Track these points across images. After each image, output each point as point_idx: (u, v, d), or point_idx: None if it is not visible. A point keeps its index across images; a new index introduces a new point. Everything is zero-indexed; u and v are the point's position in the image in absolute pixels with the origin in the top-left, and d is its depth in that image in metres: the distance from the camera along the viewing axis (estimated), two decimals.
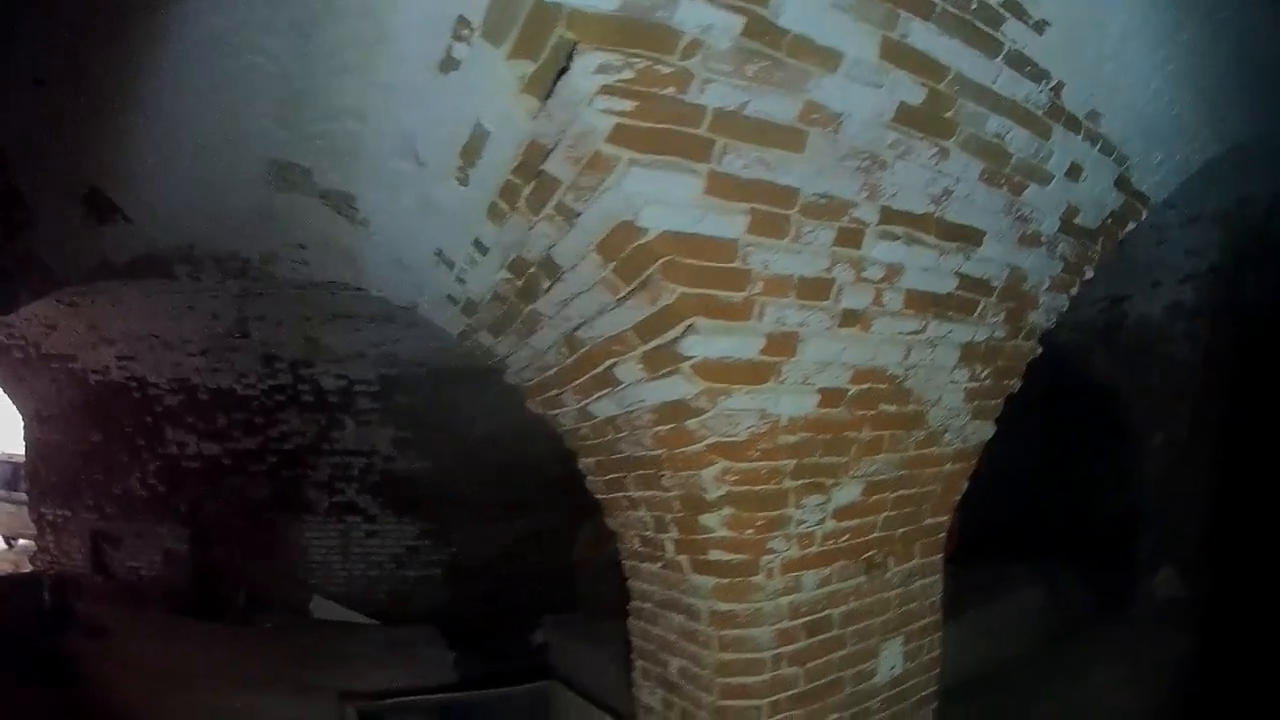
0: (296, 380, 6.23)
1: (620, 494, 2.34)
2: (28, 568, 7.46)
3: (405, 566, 6.84)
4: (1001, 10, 1.78)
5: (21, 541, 10.13)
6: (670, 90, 1.47)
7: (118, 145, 2.55)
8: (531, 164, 1.66)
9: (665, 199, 1.56)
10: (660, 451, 1.99)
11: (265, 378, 6.18)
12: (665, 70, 1.44)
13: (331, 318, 5.45)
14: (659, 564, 2.28)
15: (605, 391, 2.08)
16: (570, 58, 1.38)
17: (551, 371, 2.29)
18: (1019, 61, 1.88)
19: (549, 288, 1.95)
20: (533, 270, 2.00)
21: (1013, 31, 1.82)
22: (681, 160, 1.55)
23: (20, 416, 7.26)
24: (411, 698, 2.61)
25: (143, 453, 6.60)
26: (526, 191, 1.73)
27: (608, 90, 1.41)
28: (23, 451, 9.29)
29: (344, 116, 2.02)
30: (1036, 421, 2.44)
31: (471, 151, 1.75)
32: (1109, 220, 2.42)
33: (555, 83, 1.43)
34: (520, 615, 5.57)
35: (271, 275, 4.14)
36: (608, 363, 1.96)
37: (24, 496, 9.03)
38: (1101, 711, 3.13)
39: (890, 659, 2.40)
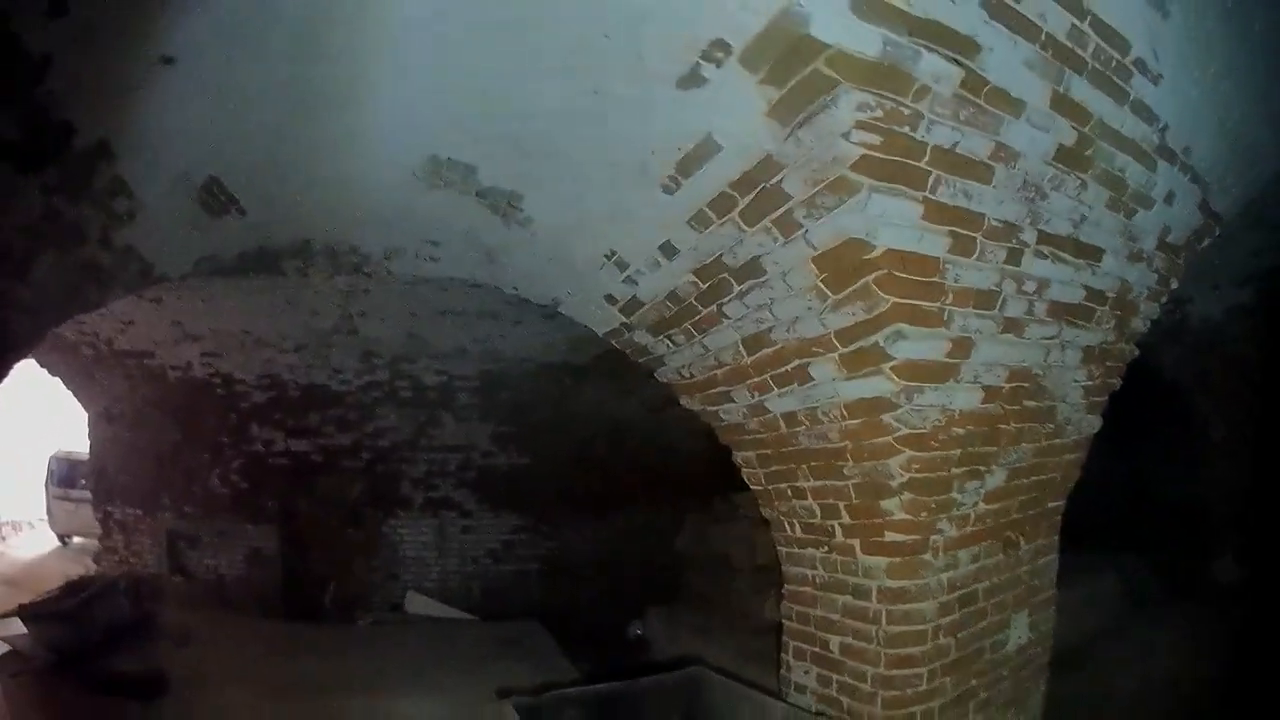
0: (395, 376, 6.22)
1: (785, 484, 2.60)
2: (92, 568, 7.31)
3: (501, 561, 6.87)
4: (1131, 66, 2.15)
5: (77, 540, 10.11)
6: (906, 128, 1.77)
7: (245, 135, 2.58)
8: (757, 179, 1.92)
9: (894, 221, 1.86)
10: (845, 444, 2.27)
11: (362, 374, 6.15)
12: (905, 111, 1.75)
13: (437, 314, 5.42)
14: (824, 549, 2.55)
15: (789, 388, 2.35)
16: (834, 93, 1.68)
17: (722, 369, 2.55)
18: (1140, 108, 2.25)
19: (745, 292, 2.23)
20: (724, 275, 2.26)
21: (1137, 83, 2.19)
22: (907, 189, 1.85)
23: (85, 414, 7.13)
24: (565, 690, 2.77)
25: (225, 450, 6.55)
26: (743, 203, 1.98)
27: (861, 125, 1.70)
28: (81, 449, 9.26)
29: (539, 119, 2.14)
30: (1108, 417, 2.80)
31: (691, 163, 1.97)
32: (1191, 238, 2.81)
33: (808, 111, 1.73)
34: (617, 609, 5.71)
35: (388, 271, 4.15)
36: (799, 361, 2.25)
37: (82, 494, 9.11)
38: (1173, 684, 3.53)
39: (1018, 630, 2.71)
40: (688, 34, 1.64)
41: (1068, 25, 1.86)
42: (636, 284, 2.60)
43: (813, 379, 2.23)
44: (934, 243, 1.93)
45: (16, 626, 4.92)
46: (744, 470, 2.85)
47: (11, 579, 7.90)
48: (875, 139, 1.71)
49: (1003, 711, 2.69)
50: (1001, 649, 2.63)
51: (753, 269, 2.11)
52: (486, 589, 6.71)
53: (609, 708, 2.72)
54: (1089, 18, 1.90)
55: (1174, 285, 2.80)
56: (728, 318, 2.36)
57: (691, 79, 1.72)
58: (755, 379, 2.44)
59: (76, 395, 6.88)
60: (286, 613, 6.16)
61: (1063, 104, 1.97)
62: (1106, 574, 4.21)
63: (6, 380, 3.30)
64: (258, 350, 5.88)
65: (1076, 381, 2.56)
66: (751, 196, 1.94)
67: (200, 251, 3.64)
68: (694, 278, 2.33)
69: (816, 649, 2.62)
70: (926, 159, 1.81)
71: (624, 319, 2.88)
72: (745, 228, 2.01)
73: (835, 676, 2.54)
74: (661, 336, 2.82)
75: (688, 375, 2.81)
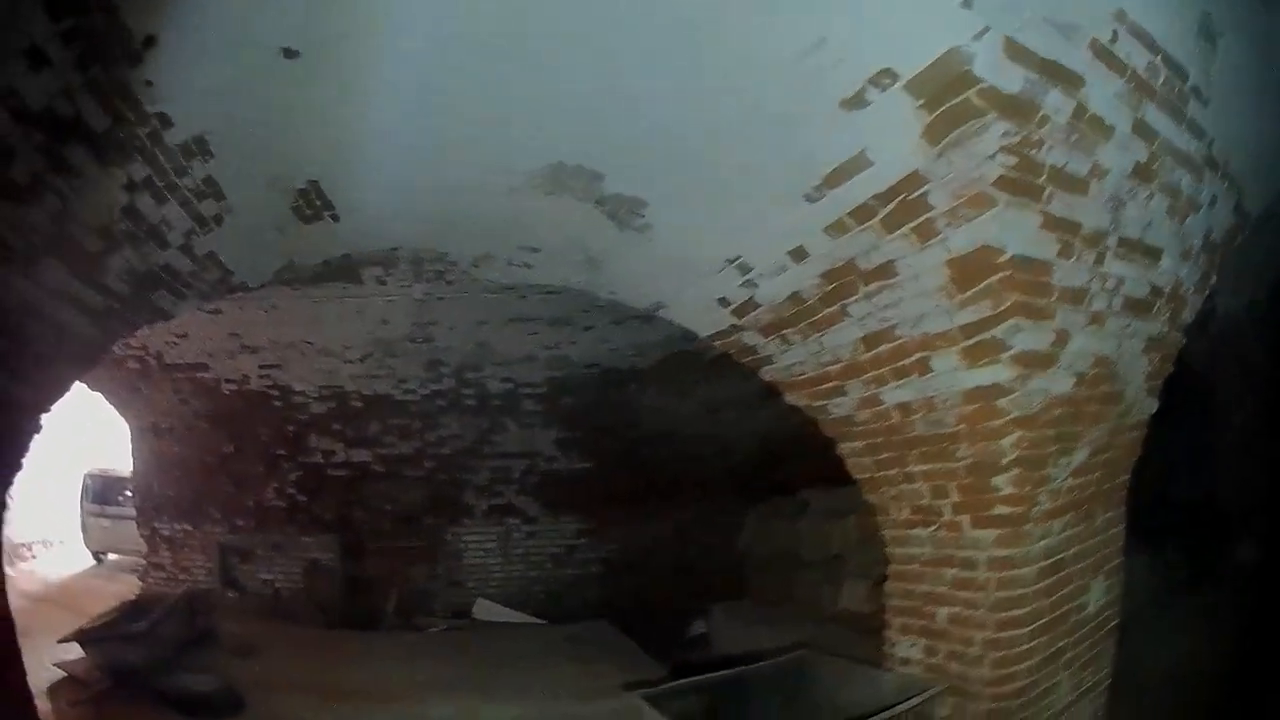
0: (460, 385, 6.41)
1: (894, 470, 2.91)
2: (131, 584, 7.28)
3: (563, 565, 7.11)
4: (1189, 92, 2.58)
5: (112, 556, 10.09)
6: (1032, 151, 2.12)
7: (355, 138, 2.57)
8: (901, 192, 2.21)
9: (1020, 230, 2.21)
10: (960, 427, 2.61)
11: (428, 383, 6.33)
12: (1033, 137, 2.11)
13: (507, 321, 5.65)
14: (932, 527, 2.87)
15: (906, 380, 2.69)
16: (985, 120, 2.03)
17: (837, 365, 2.86)
18: (1193, 127, 2.65)
19: (873, 292, 2.55)
20: (852, 277, 2.58)
21: (1192, 106, 2.63)
22: (1031, 202, 2.22)
23: (129, 429, 7.14)
24: (685, 680, 3.00)
25: (282, 462, 6.65)
26: (883, 212, 2.29)
27: (1003, 149, 2.06)
28: (117, 466, 9.47)
29: (687, 131, 2.35)
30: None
31: (840, 176, 2.25)
32: (1227, 237, 3.26)
33: (958, 135, 2.07)
34: (678, 608, 5.97)
35: (472, 278, 4.36)
36: (921, 355, 2.59)
37: (119, 511, 9.28)
38: (1206, 658, 3.94)
39: (1096, 593, 3.07)
40: (860, 62, 1.92)
41: (1145, 61, 2.24)
42: (756, 286, 2.90)
43: (933, 370, 2.56)
44: (1047, 248, 2.29)
45: (68, 650, 4.71)
46: (849, 460, 3.17)
47: (46, 598, 7.77)
48: (1011, 160, 2.05)
49: (1084, 670, 3.03)
50: (1083, 611, 2.99)
51: (885, 271, 2.43)
52: (549, 593, 6.94)
53: (723, 694, 2.97)
54: (1160, 54, 2.29)
55: (1213, 280, 3.26)
56: (850, 316, 2.68)
57: (856, 101, 2.01)
58: (872, 373, 2.77)
59: (120, 410, 6.86)
60: (347, 623, 6.23)
61: (1140, 127, 2.35)
62: (1139, 556, 4.66)
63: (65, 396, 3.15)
64: (319, 360, 6.03)
65: (1140, 368, 2.97)
66: (892, 206, 2.25)
67: (283, 260, 3.70)
68: (820, 280, 2.66)
69: (924, 622, 2.93)
70: (1044, 177, 2.16)
71: (735, 320, 3.18)
72: (883, 234, 2.35)
73: (942, 646, 2.86)
74: (773, 337, 3.12)
75: (798, 372, 3.12)
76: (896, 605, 3.04)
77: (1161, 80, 2.34)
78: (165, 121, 2.30)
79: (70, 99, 2.01)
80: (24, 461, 2.81)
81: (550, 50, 2.13)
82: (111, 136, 2.20)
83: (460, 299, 5.30)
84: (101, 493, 9.78)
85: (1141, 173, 2.49)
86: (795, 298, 2.81)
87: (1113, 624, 3.18)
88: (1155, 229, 2.72)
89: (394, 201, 3.21)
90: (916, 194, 2.17)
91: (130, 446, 7.23)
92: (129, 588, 7.51)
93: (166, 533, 6.97)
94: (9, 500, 2.80)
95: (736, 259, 2.86)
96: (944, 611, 2.84)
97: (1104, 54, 2.09)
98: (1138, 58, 2.21)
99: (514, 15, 2.00)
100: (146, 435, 6.93)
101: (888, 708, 2.56)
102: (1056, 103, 2.06)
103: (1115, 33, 2.02)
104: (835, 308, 2.69)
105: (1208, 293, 3.26)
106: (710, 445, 7.42)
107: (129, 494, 9.25)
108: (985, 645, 2.71)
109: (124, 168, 2.35)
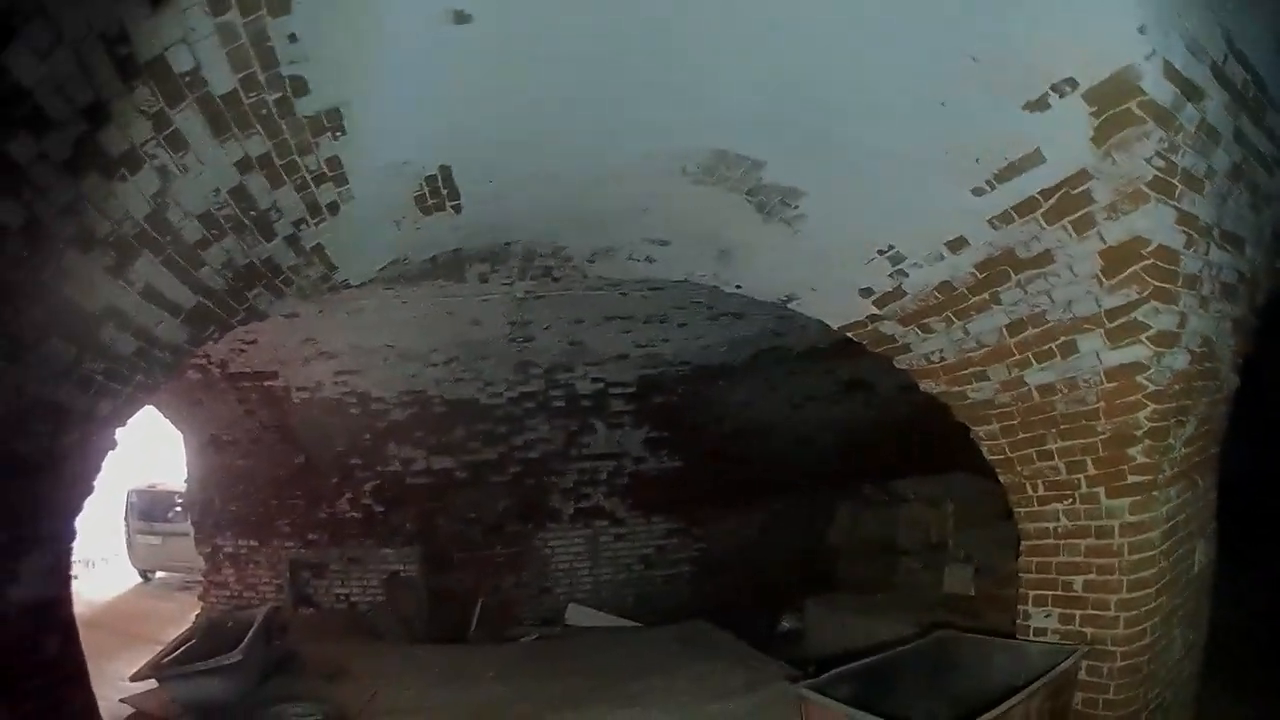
0: (549, 386, 6.47)
1: (1031, 449, 3.23)
2: (179, 602, 7.29)
3: (653, 566, 7.21)
4: (1266, 102, 2.99)
5: (160, 574, 10.01)
6: (1174, 155, 2.55)
7: (504, 117, 2.49)
8: (1064, 187, 2.57)
9: (1162, 222, 2.62)
10: (1100, 404, 2.99)
11: (516, 385, 6.38)
12: (1175, 143, 2.54)
13: (603, 319, 5.74)
14: (1067, 501, 3.22)
15: (1049, 363, 3.06)
16: (1147, 127, 2.42)
17: (980, 351, 3.21)
18: (1269, 130, 3.09)
19: (1027, 280, 2.88)
20: (1006, 266, 2.95)
21: (1269, 114, 3.12)
22: (1169, 199, 2.63)
23: (185, 443, 7.02)
24: (842, 668, 3.22)
25: (357, 472, 6.62)
26: (1045, 205, 2.65)
27: (1159, 154, 2.47)
28: (163, 480, 9.53)
29: (868, 124, 2.58)
30: None
31: (1012, 171, 2.61)
32: None
33: (1123, 138, 2.42)
34: (769, 604, 6.13)
35: (583, 274, 4.41)
36: (1066, 338, 2.96)
37: (168, 528, 9.26)
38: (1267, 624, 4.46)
39: (1200, 554, 3.46)
40: (1047, 69, 2.29)
41: (1242, 78, 2.70)
42: (906, 276, 3.23)
43: (1078, 351, 2.94)
44: (1177, 239, 2.70)
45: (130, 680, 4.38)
46: (985, 443, 3.50)
47: (94, 621, 7.48)
48: (1162, 162, 2.47)
49: (1190, 628, 3.43)
50: (1191, 572, 3.40)
51: (1042, 260, 2.80)
52: (639, 594, 7.08)
53: (873, 678, 3.22)
54: (1252, 71, 2.75)
55: (1278, 265, 3.79)
56: (1000, 304, 3.04)
57: (1039, 104, 2.37)
58: (1016, 356, 3.14)
59: (177, 424, 6.75)
60: (431, 637, 6.23)
61: (1238, 134, 2.80)
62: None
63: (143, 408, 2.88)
64: (401, 365, 6.01)
65: (1229, 346, 3.43)
66: (1055, 200, 2.63)
67: (393, 255, 3.63)
68: (974, 269, 3.02)
69: (1058, 592, 3.26)
70: (1178, 177, 2.58)
71: (875, 310, 3.50)
72: (1045, 225, 2.71)
73: (1078, 612, 3.19)
74: (912, 326, 3.46)
75: (936, 359, 3.47)
76: (1031, 579, 3.38)
77: (1252, 94, 2.78)
78: (300, 87, 2.06)
79: (191, 50, 1.77)
80: (96, 482, 2.63)
81: (722, 37, 2.25)
82: (234, 100, 1.96)
83: (560, 297, 5.39)
84: (148, 509, 9.71)
85: (1236, 173, 2.93)
86: (945, 286, 3.17)
87: (1209, 584, 3.58)
88: (1242, 221, 3.17)
89: (528, 191, 3.23)
90: (1080, 189, 2.55)
91: (186, 460, 7.14)
92: (182, 607, 7.35)
93: (229, 550, 6.92)
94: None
95: (890, 249, 3.19)
96: (1079, 579, 3.20)
97: (1218, 72, 2.52)
98: (1238, 75, 2.63)
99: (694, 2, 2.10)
100: (206, 449, 6.87)
101: (1041, 674, 2.86)
102: (1189, 115, 2.47)
103: (1226, 55, 2.45)
104: (985, 295, 3.05)
105: (1274, 278, 3.76)
106: (795, 439, 7.67)
107: (178, 509, 9.15)
108: (1119, 606, 3.08)
109: (242, 140, 2.12)
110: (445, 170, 2.90)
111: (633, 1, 2.13)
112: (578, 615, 6.68)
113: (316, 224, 2.82)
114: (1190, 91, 2.40)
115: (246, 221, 2.49)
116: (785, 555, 7.08)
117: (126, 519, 9.98)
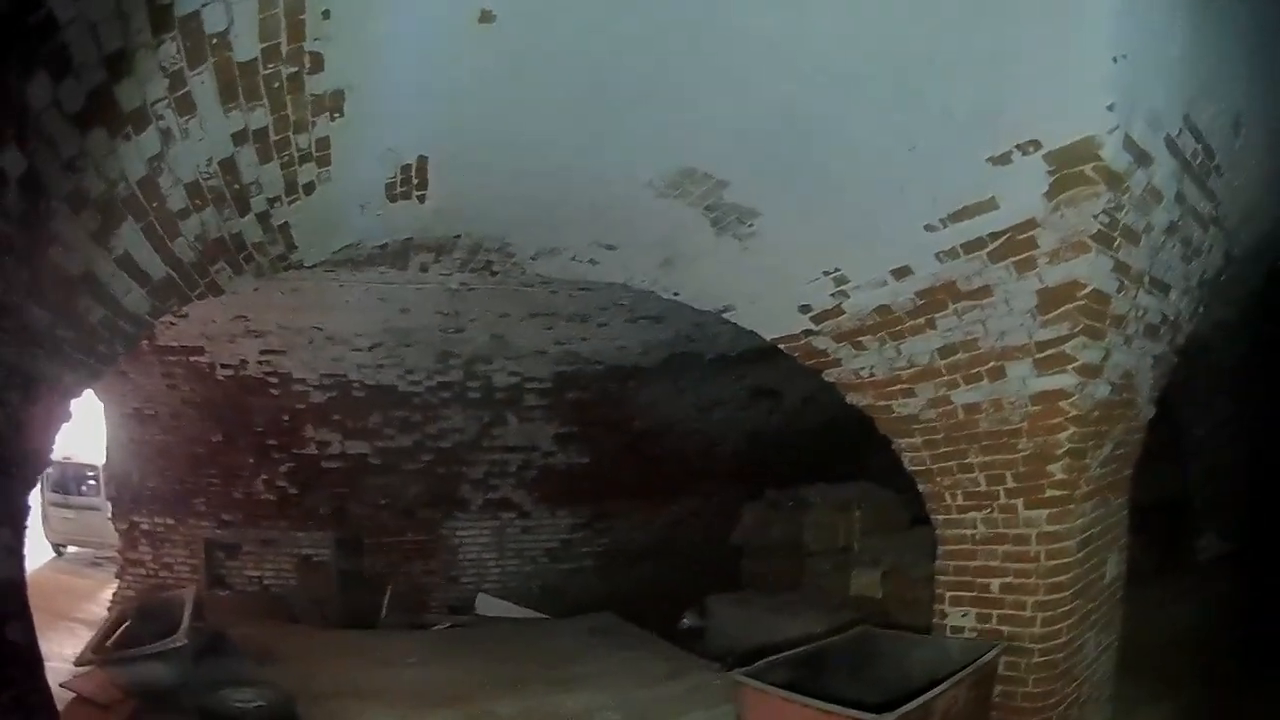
0: (468, 377, 6.53)
1: (952, 462, 3.54)
2: (91, 577, 7.03)
3: (558, 560, 7.42)
4: (1213, 168, 3.30)
5: (72, 549, 9.76)
6: (1117, 213, 2.80)
7: (491, 111, 2.55)
8: (1012, 233, 2.84)
9: (1100, 271, 2.89)
10: (1024, 424, 3.31)
11: (435, 374, 6.42)
12: (1120, 202, 2.79)
13: (527, 316, 5.89)
14: (986, 510, 3.54)
15: (977, 385, 3.36)
16: (1097, 189, 2.68)
17: (910, 370, 3.49)
18: (1209, 193, 3.39)
19: (964, 310, 3.18)
20: (944, 297, 3.23)
21: (1212, 178, 3.44)
22: (1108, 249, 2.89)
23: (106, 415, 6.78)
24: (775, 656, 3.46)
25: (273, 453, 6.55)
26: (991, 246, 2.92)
27: (1105, 211, 2.71)
28: (78, 452, 9.06)
29: (834, 155, 2.79)
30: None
31: (966, 214, 2.86)
32: (1216, 275, 4.08)
33: (1072, 195, 2.69)
34: (672, 600, 6.39)
35: (522, 270, 4.53)
36: (996, 363, 3.25)
37: (83, 501, 9.06)
38: (1181, 632, 4.88)
39: (1111, 566, 3.87)
40: (1015, 130, 2.55)
41: (1192, 147, 2.99)
42: (847, 297, 3.49)
43: (1005, 376, 3.25)
44: (1110, 285, 3.01)
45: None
46: (906, 454, 3.81)
47: None
48: (1106, 219, 2.74)
49: (1103, 632, 3.82)
50: (1102, 580, 3.79)
51: (981, 293, 3.09)
52: (544, 586, 7.28)
53: (803, 666, 3.50)
54: (1203, 142, 3.01)
55: (1201, 310, 4.16)
56: (935, 329, 3.33)
57: (1002, 159, 2.64)
58: (945, 377, 3.44)
59: (100, 394, 6.55)
60: (343, 620, 6.34)
61: (1179, 195, 3.11)
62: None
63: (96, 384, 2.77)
64: (326, 348, 6.06)
65: (1148, 380, 3.79)
66: (1001, 242, 2.91)
67: (350, 239, 3.69)
68: (915, 296, 3.29)
69: (975, 593, 3.62)
70: (1119, 231, 2.87)
71: (811, 326, 3.76)
72: (988, 263, 2.99)
73: (995, 611, 3.54)
74: (845, 343, 3.74)
75: (866, 375, 3.75)
76: (948, 580, 3.72)
77: (1199, 161, 3.08)
78: (317, 64, 2.11)
79: (228, 10, 1.81)
80: (52, 455, 2.54)
81: (709, 63, 2.43)
82: (250, 69, 1.99)
83: (492, 291, 5.55)
84: (62, 481, 9.33)
85: (1171, 229, 3.26)
86: (883, 309, 3.44)
87: (1120, 594, 3.99)
88: (1171, 270, 3.52)
89: (491, 189, 3.35)
90: (1026, 235, 2.82)
91: (106, 433, 6.91)
92: (96, 584, 7.26)
93: (146, 527, 6.79)
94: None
95: (835, 270, 3.44)
96: (997, 582, 3.54)
97: (1170, 143, 2.82)
98: (1188, 145, 2.93)
99: (691, 22, 2.24)
100: (128, 421, 6.65)
101: (963, 666, 3.18)
102: (1138, 178, 2.77)
103: (1180, 128, 2.75)
104: (921, 320, 3.33)
105: (1196, 320, 4.14)
106: (702, 442, 8.06)
107: (92, 483, 8.90)
108: (1035, 607, 3.43)
109: (246, 111, 2.16)
110: (422, 160, 2.99)
111: (628, 18, 2.22)
112: (487, 605, 6.90)
113: (290, 202, 2.85)
114: (1142, 159, 2.71)
115: (228, 195, 2.51)
116: (689, 554, 7.45)
117: (41, 491, 9.53)
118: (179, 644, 4.42)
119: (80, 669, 4.35)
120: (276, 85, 2.13)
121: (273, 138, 2.37)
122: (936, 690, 2.96)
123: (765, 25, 2.27)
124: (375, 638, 5.95)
